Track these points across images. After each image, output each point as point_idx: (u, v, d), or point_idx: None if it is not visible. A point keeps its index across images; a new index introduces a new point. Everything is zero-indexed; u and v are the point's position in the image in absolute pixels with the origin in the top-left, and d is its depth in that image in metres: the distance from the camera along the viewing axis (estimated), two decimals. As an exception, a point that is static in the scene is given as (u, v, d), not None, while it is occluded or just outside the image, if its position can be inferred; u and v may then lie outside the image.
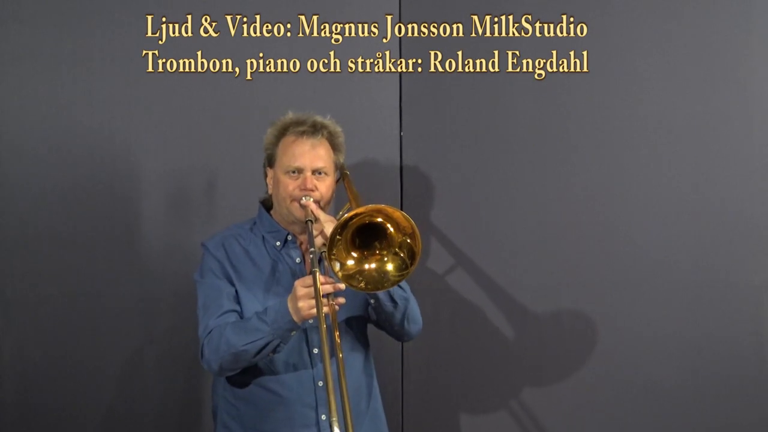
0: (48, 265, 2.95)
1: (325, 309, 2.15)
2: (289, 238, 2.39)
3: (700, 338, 2.98)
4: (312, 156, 2.33)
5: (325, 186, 2.33)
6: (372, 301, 2.31)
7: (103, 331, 2.96)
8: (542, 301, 3.02)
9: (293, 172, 2.33)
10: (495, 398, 3.02)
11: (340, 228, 2.13)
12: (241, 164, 2.96)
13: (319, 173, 2.33)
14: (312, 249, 2.20)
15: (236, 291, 2.33)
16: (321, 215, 2.25)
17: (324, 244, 2.16)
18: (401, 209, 2.93)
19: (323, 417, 2.30)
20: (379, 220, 2.17)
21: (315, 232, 2.23)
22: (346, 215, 2.13)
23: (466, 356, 3.03)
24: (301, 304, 2.14)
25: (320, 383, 2.30)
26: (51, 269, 2.95)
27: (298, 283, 2.17)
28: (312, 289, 2.14)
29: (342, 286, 2.17)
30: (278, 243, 2.39)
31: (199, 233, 2.95)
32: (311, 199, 2.29)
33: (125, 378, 2.98)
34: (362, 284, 2.16)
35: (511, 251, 3.01)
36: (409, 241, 2.17)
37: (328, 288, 2.15)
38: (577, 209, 3.00)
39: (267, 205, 2.45)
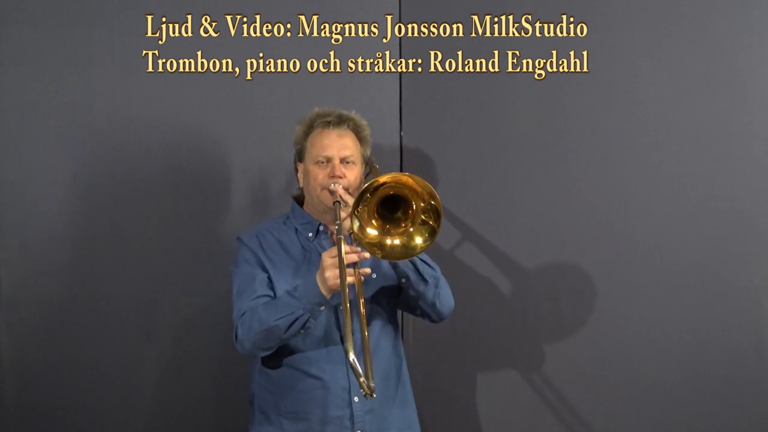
0: (48, 265, 2.95)
1: (351, 279, 2.21)
2: (321, 228, 2.46)
3: (700, 338, 2.98)
4: (339, 145, 2.42)
5: (353, 174, 2.41)
6: (403, 280, 2.36)
7: (103, 330, 2.96)
8: (541, 301, 3.01)
9: (322, 162, 2.41)
10: (495, 397, 3.02)
11: (370, 192, 2.20)
12: (241, 164, 2.97)
13: (347, 162, 2.42)
14: (337, 222, 2.27)
15: (270, 277, 2.40)
16: (349, 199, 2.31)
17: (350, 228, 2.22)
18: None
19: (356, 399, 2.35)
20: (405, 192, 2.24)
21: (343, 215, 2.29)
22: (372, 181, 2.20)
23: (466, 355, 3.03)
24: (327, 273, 2.21)
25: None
26: (51, 269, 2.95)
27: (324, 254, 2.24)
28: (337, 258, 2.19)
29: (366, 255, 2.23)
30: (310, 234, 2.46)
31: (198, 232, 2.96)
32: (340, 185, 2.36)
33: (125, 378, 2.98)
34: (379, 254, 2.23)
35: (510, 250, 3.01)
36: (432, 202, 2.23)
37: (352, 257, 2.22)
38: (576, 209, 3.00)
39: (299, 201, 2.53)
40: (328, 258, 2.22)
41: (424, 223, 2.25)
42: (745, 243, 2.98)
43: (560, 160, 3.01)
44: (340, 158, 2.41)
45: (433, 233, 2.24)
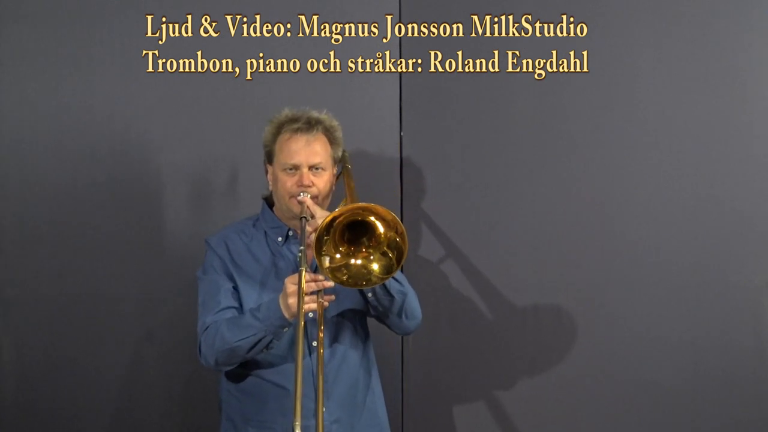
0: (48, 265, 2.95)
1: (314, 306, 2.18)
2: (290, 233, 2.40)
3: (700, 338, 2.98)
4: (308, 152, 2.34)
5: (322, 181, 2.35)
6: (369, 294, 2.32)
7: (103, 330, 2.96)
8: (541, 301, 3.01)
9: (290, 169, 2.34)
10: (494, 397, 3.02)
11: (327, 226, 2.14)
12: (240, 164, 2.97)
13: (316, 169, 2.34)
14: (301, 247, 2.22)
15: (237, 287, 2.35)
16: (317, 211, 2.26)
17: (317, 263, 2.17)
18: (401, 208, 2.95)
19: (324, 409, 2.30)
20: (371, 218, 2.17)
21: (309, 229, 2.24)
22: (330, 215, 2.14)
23: (466, 355, 3.03)
24: (290, 300, 2.17)
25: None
26: (51, 269, 2.96)
27: (287, 280, 2.20)
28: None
29: (330, 283, 2.19)
30: (280, 238, 2.41)
31: (198, 233, 2.95)
32: (308, 195, 2.31)
33: (125, 378, 2.98)
34: (345, 277, 2.18)
35: (510, 251, 3.01)
36: (398, 239, 2.17)
37: (312, 286, 2.17)
38: (576, 209, 3.00)
39: (270, 201, 2.47)
40: (291, 285, 2.17)
41: (384, 254, 2.19)
42: (745, 243, 2.98)
43: (560, 160, 3.01)
44: (308, 166, 2.33)
45: (390, 269, 2.17)
